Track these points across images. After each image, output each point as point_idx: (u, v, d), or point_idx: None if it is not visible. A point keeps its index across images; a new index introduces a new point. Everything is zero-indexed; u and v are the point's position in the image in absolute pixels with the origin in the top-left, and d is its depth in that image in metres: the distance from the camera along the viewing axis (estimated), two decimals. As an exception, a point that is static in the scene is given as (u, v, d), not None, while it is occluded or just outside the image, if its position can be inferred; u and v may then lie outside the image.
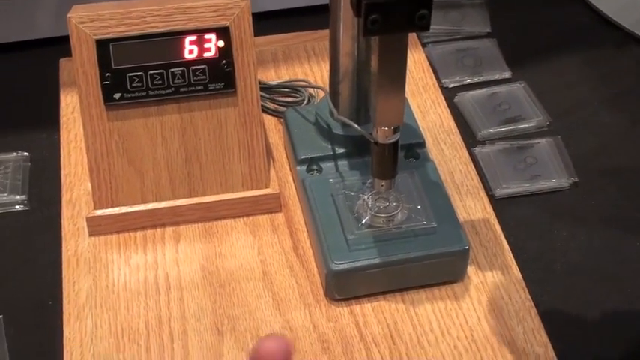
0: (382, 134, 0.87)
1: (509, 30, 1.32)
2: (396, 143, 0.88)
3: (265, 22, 1.07)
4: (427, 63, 1.22)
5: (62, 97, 1.15)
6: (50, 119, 1.13)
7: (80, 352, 0.89)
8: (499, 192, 1.08)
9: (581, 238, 1.03)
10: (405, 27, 0.78)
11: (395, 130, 0.87)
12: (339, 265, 0.91)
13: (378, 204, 0.94)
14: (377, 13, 0.77)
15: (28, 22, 1.27)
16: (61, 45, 1.22)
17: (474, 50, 1.29)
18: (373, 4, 0.76)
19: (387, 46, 0.81)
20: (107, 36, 0.93)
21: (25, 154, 1.13)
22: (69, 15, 0.93)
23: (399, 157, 0.90)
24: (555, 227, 1.04)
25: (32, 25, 1.27)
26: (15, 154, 1.12)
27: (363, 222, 0.93)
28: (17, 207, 1.07)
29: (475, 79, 1.24)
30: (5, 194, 1.07)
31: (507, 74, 1.25)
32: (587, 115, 1.20)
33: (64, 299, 0.93)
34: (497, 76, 1.24)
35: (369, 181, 0.94)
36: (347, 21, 0.93)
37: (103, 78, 0.94)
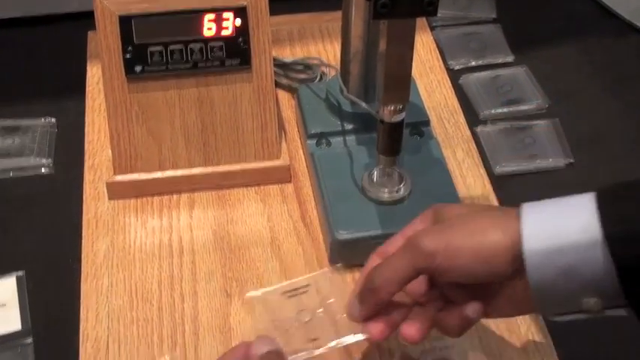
0: (388, 113, 0.85)
1: (514, 17, 1.30)
2: (401, 122, 0.86)
3: (283, 3, 1.04)
4: (435, 45, 1.19)
5: (88, 68, 1.13)
6: (77, 88, 1.11)
7: (96, 309, 0.88)
8: (498, 169, 1.07)
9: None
10: (414, 12, 0.76)
11: (400, 110, 0.85)
12: (343, 235, 0.89)
13: (382, 178, 0.92)
14: (386, -3, 0.75)
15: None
16: (90, 19, 1.22)
17: (479, 35, 1.27)
18: (382, -11, 0.74)
19: (395, 29, 0.79)
20: (130, 12, 0.91)
21: (53, 120, 1.12)
22: (94, -10, 0.91)
23: (404, 133, 0.88)
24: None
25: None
26: (43, 119, 1.11)
27: (368, 195, 0.92)
28: (43, 170, 1.06)
29: (479, 62, 1.22)
30: (32, 157, 1.06)
31: (510, 58, 1.23)
32: (585, 99, 1.18)
33: (82, 259, 0.92)
34: (500, 60, 1.23)
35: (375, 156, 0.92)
36: (359, 4, 0.92)
37: (125, 52, 0.92)
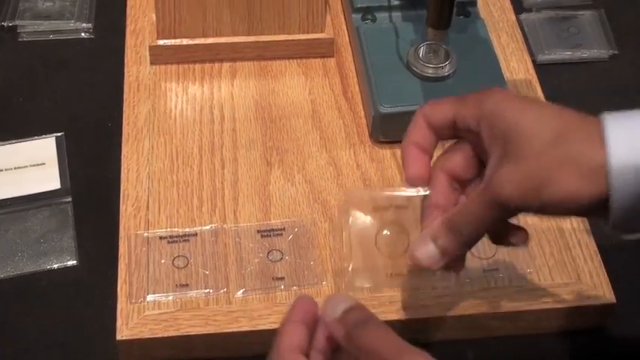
0: (440, -16, 0.83)
1: None
2: (453, -7, 0.84)
3: None
4: None
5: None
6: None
7: (136, 170, 0.87)
8: (541, 57, 1.04)
9: (613, 108, 0.99)
10: None
11: (453, -19, 0.83)
12: (386, 108, 0.88)
13: (429, 55, 0.90)
14: None
15: None
16: None
17: None
18: None
19: None
20: None
21: (93, -16, 1.09)
22: None
23: (452, 12, 0.86)
24: (591, 94, 1.00)
25: None
26: (83, -16, 1.09)
27: (413, 70, 0.90)
28: (83, 34, 1.04)
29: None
30: (72, 21, 1.04)
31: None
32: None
33: (123, 121, 0.91)
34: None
35: (423, 33, 0.90)
36: None
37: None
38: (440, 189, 0.68)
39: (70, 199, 0.88)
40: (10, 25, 1.04)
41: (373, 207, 0.69)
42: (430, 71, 0.90)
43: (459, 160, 0.68)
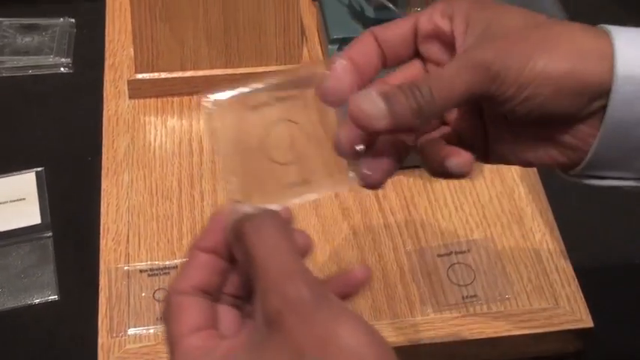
0: (414, 15, 0.84)
1: None
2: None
3: None
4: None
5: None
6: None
7: (116, 204, 0.87)
8: None
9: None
10: None
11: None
12: (363, 139, 0.88)
13: (403, 84, 0.91)
14: None
15: None
16: None
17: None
18: None
19: None
20: None
21: (72, 20, 1.10)
22: None
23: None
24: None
25: None
26: (62, 19, 1.10)
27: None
28: (62, 69, 1.05)
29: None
30: (51, 56, 1.05)
31: None
32: None
33: (103, 155, 0.92)
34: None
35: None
36: None
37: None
38: (362, 48, 0.56)
39: (50, 233, 0.88)
40: (-10, 61, 1.04)
41: (251, 106, 0.55)
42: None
43: (397, 32, 0.57)
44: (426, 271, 0.83)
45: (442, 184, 0.90)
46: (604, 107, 0.53)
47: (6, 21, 1.08)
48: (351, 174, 0.57)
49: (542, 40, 0.52)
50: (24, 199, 0.91)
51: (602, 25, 0.54)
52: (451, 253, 0.85)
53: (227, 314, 0.52)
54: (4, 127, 0.98)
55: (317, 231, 0.86)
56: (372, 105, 0.52)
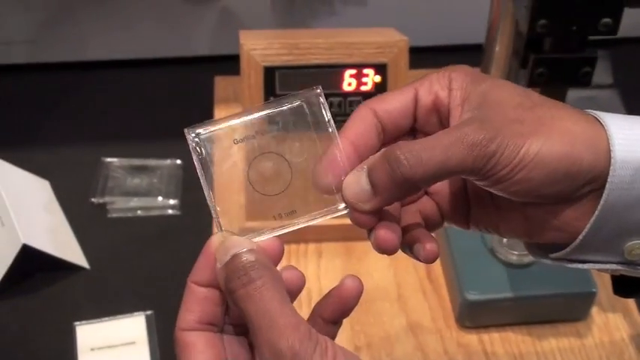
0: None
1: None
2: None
3: (418, 55, 1.03)
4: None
5: (216, 111, 1.14)
6: (203, 132, 1.13)
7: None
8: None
9: None
10: (568, 81, 0.77)
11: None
12: (473, 295, 0.89)
13: (512, 240, 0.92)
14: (543, 67, 0.75)
15: (184, 40, 1.28)
16: (217, 63, 1.24)
17: (596, 99, 1.26)
18: (541, 59, 0.75)
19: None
20: (274, 63, 0.93)
21: (178, 161, 1.13)
22: (241, 42, 0.93)
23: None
24: None
25: (189, 43, 1.28)
26: (169, 160, 1.13)
27: (497, 256, 0.92)
28: (170, 211, 1.07)
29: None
30: (160, 198, 1.07)
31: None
32: None
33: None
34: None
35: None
36: (499, 62, 0.90)
37: (266, 100, 0.93)
38: (361, 126, 0.56)
39: (161, 378, 0.89)
40: (100, 202, 1.07)
41: (237, 138, 0.57)
42: (514, 258, 0.91)
43: (397, 105, 0.56)
44: None
45: (551, 343, 0.90)
46: (593, 191, 0.52)
47: (116, 161, 1.12)
48: (341, 205, 0.56)
49: (538, 123, 0.52)
50: (134, 342, 0.92)
51: (589, 110, 0.54)
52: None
53: (234, 344, 0.55)
54: (114, 270, 1.00)
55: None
56: (357, 186, 0.54)
